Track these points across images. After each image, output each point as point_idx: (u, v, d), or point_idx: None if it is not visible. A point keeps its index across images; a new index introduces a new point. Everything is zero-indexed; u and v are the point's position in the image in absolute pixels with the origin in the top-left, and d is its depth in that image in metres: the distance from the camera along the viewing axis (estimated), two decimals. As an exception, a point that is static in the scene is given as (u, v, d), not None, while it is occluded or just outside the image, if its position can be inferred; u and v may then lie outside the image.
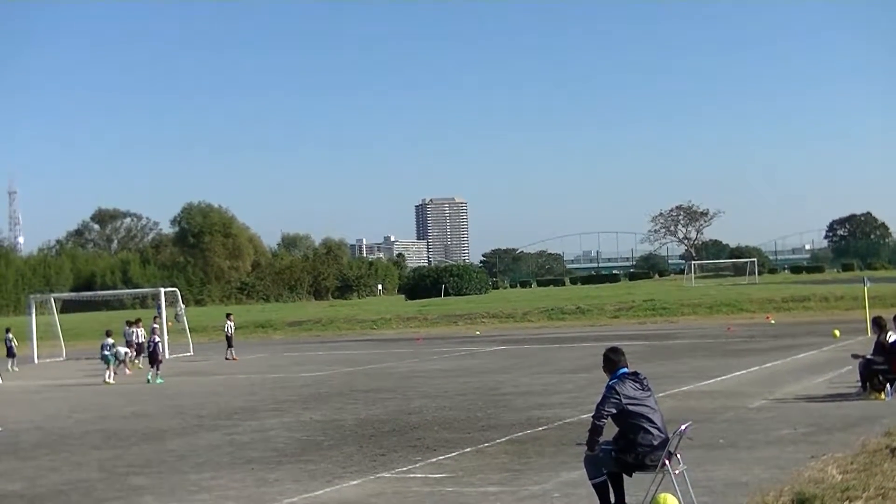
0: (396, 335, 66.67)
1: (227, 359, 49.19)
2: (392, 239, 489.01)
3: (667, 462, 12.41)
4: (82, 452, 21.56)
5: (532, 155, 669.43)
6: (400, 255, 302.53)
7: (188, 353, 53.90)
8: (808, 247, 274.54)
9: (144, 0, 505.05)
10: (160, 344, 42.45)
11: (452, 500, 14.90)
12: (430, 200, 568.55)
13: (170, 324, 58.03)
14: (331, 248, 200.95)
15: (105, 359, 41.34)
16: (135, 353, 48.14)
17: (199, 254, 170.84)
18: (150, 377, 39.70)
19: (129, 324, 50.45)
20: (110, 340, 42.08)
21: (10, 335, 52.55)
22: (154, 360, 40.64)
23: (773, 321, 57.98)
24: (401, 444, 20.35)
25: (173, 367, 45.96)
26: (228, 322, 51.41)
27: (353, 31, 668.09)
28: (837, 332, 42.78)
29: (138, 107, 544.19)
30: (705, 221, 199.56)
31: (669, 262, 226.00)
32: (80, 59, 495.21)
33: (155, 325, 47.23)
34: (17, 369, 50.48)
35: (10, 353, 51.95)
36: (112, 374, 40.81)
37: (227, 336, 51.06)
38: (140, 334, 48.94)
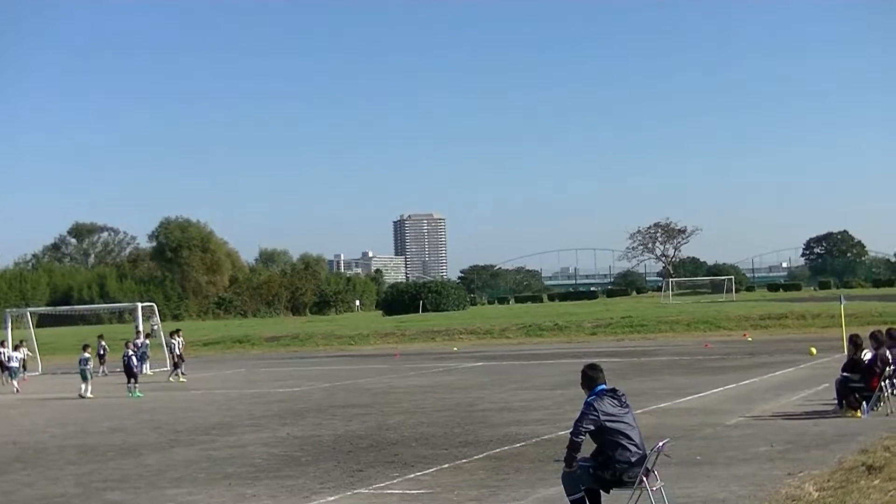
0: (374, 351, 66.57)
1: (169, 380, 46.87)
2: (370, 254, 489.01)
3: (644, 479, 12.44)
4: (58, 467, 21.48)
5: (511, 171, 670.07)
6: (378, 270, 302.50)
7: (164, 368, 53.66)
8: (785, 265, 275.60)
9: (120, 11, 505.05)
10: (133, 358, 42.28)
11: (430, 517, 14.89)
12: (409, 216, 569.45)
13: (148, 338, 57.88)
14: (308, 264, 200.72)
15: (83, 373, 41.26)
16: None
17: (177, 268, 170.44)
18: (129, 391, 39.76)
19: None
20: (87, 355, 42.02)
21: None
22: (130, 373, 40.66)
23: (750, 339, 58.08)
24: (378, 460, 20.33)
25: (149, 382, 45.81)
26: (175, 339, 48.91)
27: (331, 46, 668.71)
28: (814, 350, 42.89)
29: (116, 120, 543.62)
30: (683, 239, 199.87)
31: (647, 279, 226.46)
32: (57, 73, 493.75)
33: (145, 334, 47.72)
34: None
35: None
36: (89, 388, 40.71)
37: (173, 354, 48.86)
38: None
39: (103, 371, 53.30)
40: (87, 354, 41.95)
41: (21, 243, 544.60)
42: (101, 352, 54.12)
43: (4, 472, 21.14)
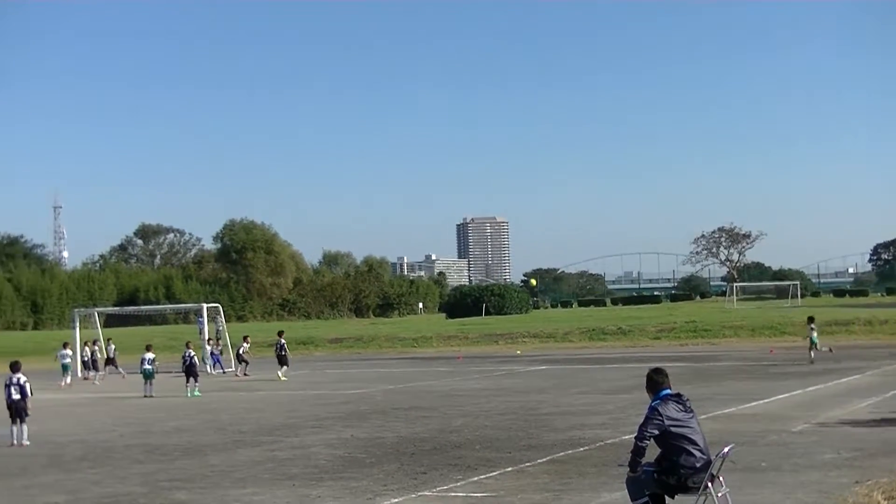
0: (437, 354, 66.65)
1: (236, 375, 51.58)
2: (433, 257, 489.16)
3: (709, 485, 12.37)
4: (125, 466, 21.68)
5: (574, 174, 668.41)
6: (441, 273, 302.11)
7: (229, 369, 54.05)
8: (851, 270, 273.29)
9: (185, 15, 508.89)
10: (195, 358, 42.82)
11: (493, 520, 14.89)
12: (472, 219, 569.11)
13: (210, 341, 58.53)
14: (372, 266, 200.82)
15: (144, 373, 41.69)
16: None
17: (242, 270, 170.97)
18: (190, 391, 40.13)
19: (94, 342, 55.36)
20: (150, 355, 42.42)
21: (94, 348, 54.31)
22: (191, 373, 41.05)
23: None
24: (441, 462, 20.35)
25: (214, 382, 46.15)
26: (244, 344, 53.45)
27: (397, 49, 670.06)
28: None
29: (182, 124, 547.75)
30: (747, 243, 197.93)
31: (711, 283, 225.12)
32: (127, 80, 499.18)
33: (215, 340, 48.76)
34: (97, 382, 51.72)
35: (95, 366, 53.45)
36: (150, 387, 41.24)
37: (237, 355, 53.05)
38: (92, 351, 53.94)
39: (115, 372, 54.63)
40: (149, 355, 42.37)
41: (89, 244, 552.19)
42: (94, 355, 54.65)
43: (72, 471, 21.36)
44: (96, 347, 54.96)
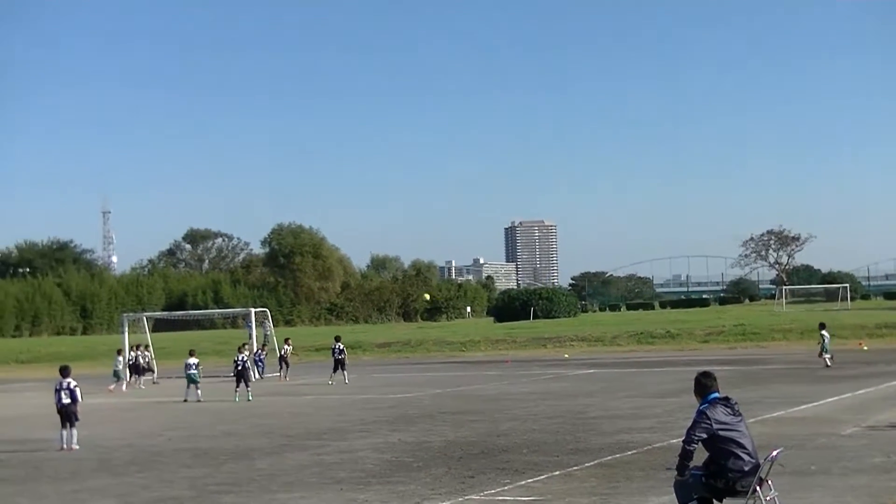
0: (485, 357, 66.62)
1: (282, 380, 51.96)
2: (481, 261, 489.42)
3: (758, 488, 12.30)
4: (173, 470, 21.79)
5: (622, 178, 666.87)
6: (489, 277, 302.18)
7: (276, 374, 54.20)
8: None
9: (237, 19, 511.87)
10: (248, 362, 42.95)
11: (540, 524, 14.85)
12: (520, 223, 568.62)
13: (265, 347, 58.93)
14: (420, 270, 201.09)
15: (190, 377, 41.87)
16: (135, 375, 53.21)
17: (289, 274, 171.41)
18: (240, 395, 40.22)
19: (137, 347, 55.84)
20: (194, 360, 42.60)
21: (137, 353, 54.59)
22: (242, 378, 41.07)
23: (865, 347, 57.25)
24: (489, 466, 20.34)
25: (260, 387, 46.29)
26: (286, 346, 54.66)
27: (440, 52, 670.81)
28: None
29: (231, 130, 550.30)
30: (797, 246, 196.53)
31: (760, 286, 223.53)
32: (179, 86, 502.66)
33: (261, 345, 48.99)
34: (142, 387, 52.34)
35: (138, 370, 53.79)
36: (198, 392, 41.40)
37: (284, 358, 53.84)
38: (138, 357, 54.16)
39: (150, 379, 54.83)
40: (193, 360, 42.54)
41: (138, 249, 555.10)
42: (137, 360, 54.72)
43: (121, 475, 21.49)
44: (138, 353, 55.02)
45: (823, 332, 45.60)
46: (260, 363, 55.11)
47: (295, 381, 50.29)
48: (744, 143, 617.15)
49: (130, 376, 53.20)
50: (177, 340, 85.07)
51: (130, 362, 54.25)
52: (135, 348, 56.17)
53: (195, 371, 42.07)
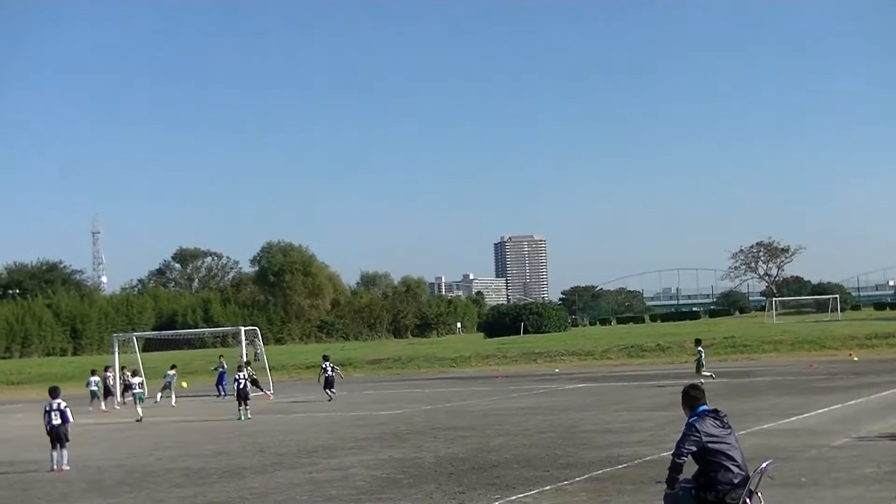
0: (476, 373, 66.57)
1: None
2: (471, 277, 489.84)
3: (748, 501, 12.32)
4: (164, 490, 21.75)
5: (611, 192, 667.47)
6: (479, 292, 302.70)
7: (268, 392, 54.10)
8: (892, 283, 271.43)
9: (223, 36, 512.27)
10: (247, 381, 42.92)
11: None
12: (509, 238, 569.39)
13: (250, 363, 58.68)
14: (410, 287, 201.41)
15: (136, 396, 43.21)
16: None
17: (280, 292, 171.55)
18: (242, 415, 40.20)
19: (106, 369, 54.61)
20: (138, 379, 44.41)
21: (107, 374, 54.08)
22: (242, 396, 41.07)
23: (856, 358, 57.29)
24: (480, 482, 20.33)
25: (252, 405, 46.22)
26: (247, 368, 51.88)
27: (433, 68, 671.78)
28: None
29: (218, 148, 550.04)
30: (786, 258, 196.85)
31: (750, 299, 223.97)
32: (164, 106, 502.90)
33: (244, 362, 48.70)
34: (116, 408, 52.00)
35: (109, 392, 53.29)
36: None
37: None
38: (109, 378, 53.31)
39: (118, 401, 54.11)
40: (137, 379, 44.25)
41: (128, 269, 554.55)
42: (107, 381, 54.09)
43: (112, 495, 21.44)
44: (109, 374, 54.11)
45: (700, 347, 46.56)
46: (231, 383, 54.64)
47: (286, 399, 50.22)
48: (733, 156, 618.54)
49: (107, 396, 52.79)
50: (168, 360, 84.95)
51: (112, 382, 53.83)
52: (104, 370, 55.08)
53: (140, 391, 43.51)
